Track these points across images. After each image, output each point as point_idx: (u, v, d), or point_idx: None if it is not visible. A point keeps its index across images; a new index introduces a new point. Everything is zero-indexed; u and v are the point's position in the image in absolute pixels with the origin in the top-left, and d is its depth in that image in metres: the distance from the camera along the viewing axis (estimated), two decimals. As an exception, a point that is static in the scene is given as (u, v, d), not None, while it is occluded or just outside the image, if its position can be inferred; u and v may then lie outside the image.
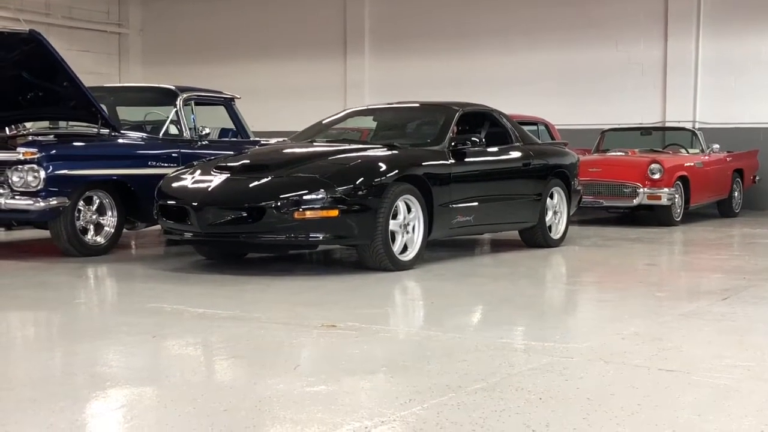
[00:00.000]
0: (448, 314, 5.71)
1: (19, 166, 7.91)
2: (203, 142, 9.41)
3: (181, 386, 3.86)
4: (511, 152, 9.14)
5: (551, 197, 9.52)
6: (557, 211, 9.64)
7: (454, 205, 8.00)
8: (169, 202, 7.51)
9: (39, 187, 7.87)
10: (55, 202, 7.93)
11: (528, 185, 9.17)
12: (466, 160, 8.28)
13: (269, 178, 7.25)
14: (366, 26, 19.41)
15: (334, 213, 6.99)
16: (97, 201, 8.40)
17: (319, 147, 8.31)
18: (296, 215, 6.94)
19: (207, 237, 7.33)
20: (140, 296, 6.31)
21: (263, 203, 7.01)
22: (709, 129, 15.45)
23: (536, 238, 9.41)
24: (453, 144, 8.23)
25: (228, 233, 7.20)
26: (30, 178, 7.89)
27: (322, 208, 6.97)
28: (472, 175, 8.41)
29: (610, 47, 17.01)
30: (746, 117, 15.93)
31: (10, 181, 7.93)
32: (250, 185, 7.23)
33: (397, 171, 7.41)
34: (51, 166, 7.92)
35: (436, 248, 8.88)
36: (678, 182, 12.41)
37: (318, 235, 7.06)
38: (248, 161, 7.80)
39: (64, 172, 8.01)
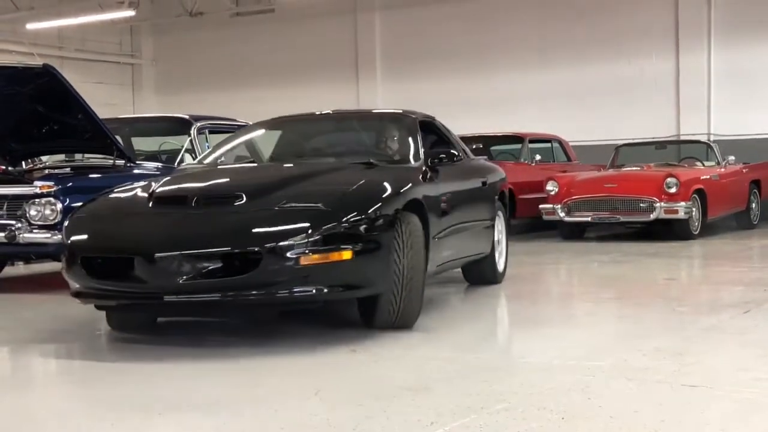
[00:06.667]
0: (469, 335, 5.68)
1: (36, 200, 7.93)
2: (218, 170, 9.42)
3: (204, 414, 3.86)
4: (469, 169, 7.65)
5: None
6: (500, 239, 8.01)
7: (440, 236, 6.36)
8: (97, 254, 5.40)
9: (56, 220, 7.88)
10: (72, 234, 7.93)
11: (485, 208, 7.63)
12: (440, 180, 6.56)
13: (254, 210, 5.38)
14: (377, 48, 19.51)
15: (347, 254, 5.21)
16: (115, 232, 8.41)
17: (280, 168, 6.61)
18: (303, 261, 5.08)
19: (174, 298, 5.15)
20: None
21: (258, 247, 5.08)
22: (724, 141, 15.41)
23: (485, 271, 7.80)
24: (431, 160, 6.62)
25: (204, 291, 5.11)
26: (47, 212, 7.91)
27: (332, 250, 5.18)
28: (453, 198, 6.74)
29: (622, 62, 17.02)
30: (761, 128, 15.89)
31: (27, 215, 7.95)
32: (234, 220, 5.32)
33: (404, 197, 5.75)
34: (68, 199, 7.94)
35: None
36: (695, 195, 12.36)
37: (322, 288, 5.17)
38: (207, 187, 6.00)
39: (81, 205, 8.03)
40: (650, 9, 16.90)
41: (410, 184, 5.94)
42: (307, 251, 5.09)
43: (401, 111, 7.52)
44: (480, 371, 4.53)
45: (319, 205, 5.38)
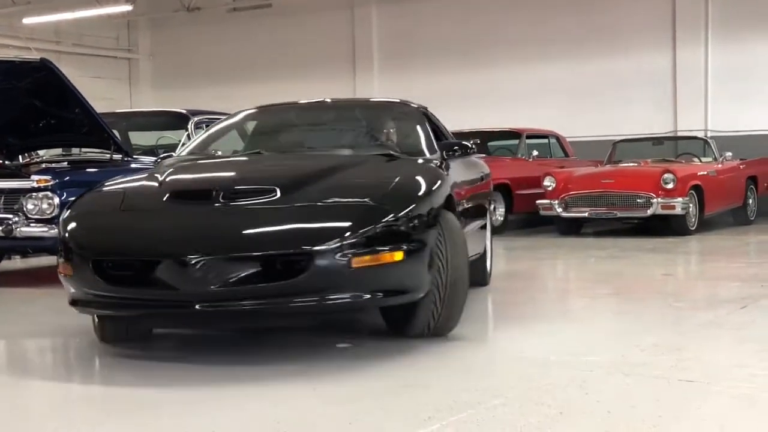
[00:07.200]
0: (467, 330, 5.67)
1: (34, 194, 7.93)
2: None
3: (203, 410, 3.85)
4: (469, 163, 7.03)
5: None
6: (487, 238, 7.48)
7: None
8: (112, 257, 4.71)
9: (53, 214, 7.88)
10: (69, 228, 7.93)
11: (483, 205, 7.21)
12: (452, 174, 5.97)
13: (295, 206, 4.75)
14: (374, 43, 19.51)
15: (399, 255, 4.67)
16: (112, 226, 8.41)
17: (301, 159, 5.99)
18: (354, 263, 4.52)
19: (209, 308, 4.46)
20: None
21: (311, 247, 4.47)
22: (721, 137, 15.41)
23: (476, 273, 6.89)
24: (446, 152, 6.15)
25: (243, 299, 4.48)
26: (44, 206, 7.91)
27: (383, 251, 4.61)
28: (466, 193, 6.42)
29: (619, 58, 17.02)
30: (758, 124, 15.90)
31: (24, 209, 7.96)
32: (276, 218, 4.68)
33: (442, 191, 5.25)
34: (65, 193, 7.94)
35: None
36: (692, 191, 12.37)
37: (361, 294, 4.61)
38: (232, 179, 5.27)
39: (78, 199, 8.03)
40: (647, 4, 16.90)
41: (443, 179, 5.43)
42: (358, 252, 4.52)
43: (400, 100, 7.20)
44: (477, 367, 4.53)
45: (366, 200, 4.82)
